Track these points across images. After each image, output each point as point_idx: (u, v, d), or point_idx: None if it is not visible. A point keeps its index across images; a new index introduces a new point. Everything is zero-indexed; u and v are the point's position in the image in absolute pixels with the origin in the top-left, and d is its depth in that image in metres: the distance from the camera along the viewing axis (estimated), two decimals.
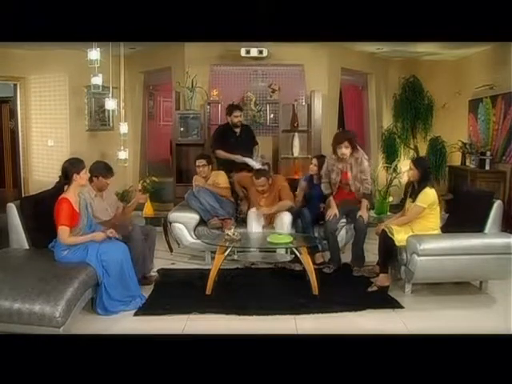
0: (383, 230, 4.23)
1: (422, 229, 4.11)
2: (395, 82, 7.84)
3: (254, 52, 6.38)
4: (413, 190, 4.28)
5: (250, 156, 5.70)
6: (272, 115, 6.69)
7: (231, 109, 5.80)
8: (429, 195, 4.08)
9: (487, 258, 3.88)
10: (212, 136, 6.14)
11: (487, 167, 6.60)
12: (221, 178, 5.24)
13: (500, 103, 6.58)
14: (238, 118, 5.72)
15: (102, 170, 4.21)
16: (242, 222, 4.98)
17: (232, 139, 5.77)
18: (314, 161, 5.18)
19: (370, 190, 4.84)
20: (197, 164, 5.20)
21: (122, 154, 5.76)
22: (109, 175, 4.23)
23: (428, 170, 4.27)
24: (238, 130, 5.78)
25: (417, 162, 4.36)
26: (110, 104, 5.82)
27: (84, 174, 3.66)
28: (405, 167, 7.64)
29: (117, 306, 3.60)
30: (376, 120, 8.03)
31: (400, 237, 4.09)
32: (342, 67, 7.23)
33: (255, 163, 5.52)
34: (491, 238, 4.01)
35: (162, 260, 4.97)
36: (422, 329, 3.33)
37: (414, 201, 4.15)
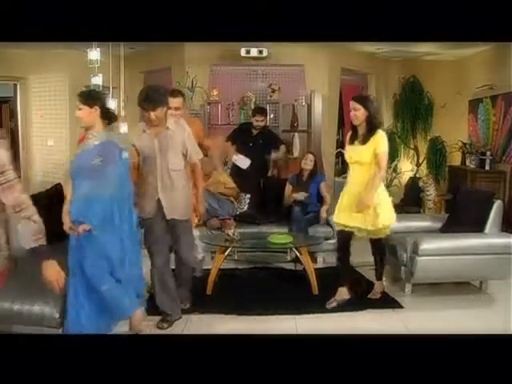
0: (340, 231, 3.79)
1: (362, 189, 3.62)
2: (395, 82, 7.84)
3: (253, 52, 6.38)
4: (354, 133, 3.72)
5: (265, 160, 5.69)
6: (272, 115, 6.68)
7: (254, 112, 5.80)
8: (385, 137, 3.63)
9: (487, 257, 3.89)
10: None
11: (487, 167, 6.61)
12: (225, 178, 5.22)
13: (500, 103, 6.58)
14: (258, 122, 5.65)
15: (140, 100, 3.35)
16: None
17: (247, 138, 5.71)
18: (311, 157, 5.18)
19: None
20: None
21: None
22: (147, 107, 3.27)
23: (376, 109, 3.81)
24: (255, 132, 5.71)
25: (361, 99, 3.75)
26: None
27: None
28: (405, 167, 7.69)
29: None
30: None
31: (345, 218, 3.69)
32: (341, 67, 7.23)
33: (242, 162, 5.49)
34: (491, 237, 4.01)
35: None
36: (422, 329, 3.33)
37: (363, 144, 3.61)
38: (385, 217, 3.61)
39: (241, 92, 6.75)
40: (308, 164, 5.10)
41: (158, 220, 3.36)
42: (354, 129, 3.69)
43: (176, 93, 3.98)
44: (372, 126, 3.61)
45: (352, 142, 3.71)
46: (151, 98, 3.23)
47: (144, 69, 7.59)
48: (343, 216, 3.72)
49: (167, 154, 3.32)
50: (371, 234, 3.75)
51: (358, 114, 3.60)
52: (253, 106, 6.67)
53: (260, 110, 5.78)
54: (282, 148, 5.78)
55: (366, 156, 3.59)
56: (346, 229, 3.73)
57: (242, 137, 5.71)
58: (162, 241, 3.41)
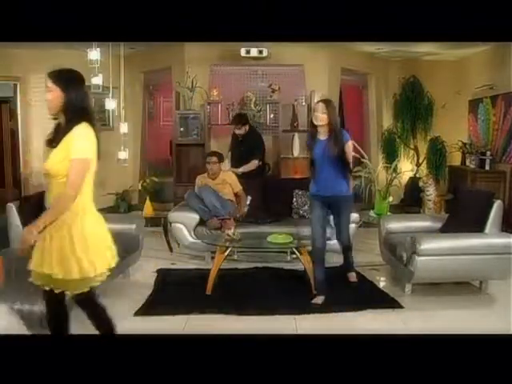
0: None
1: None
2: (395, 82, 7.84)
3: (253, 52, 6.39)
4: (55, 130, 2.46)
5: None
6: (272, 115, 6.69)
7: (231, 122, 5.96)
8: (83, 135, 2.29)
9: (487, 257, 3.88)
10: None
11: (487, 167, 6.61)
12: (233, 179, 5.21)
13: (500, 103, 6.58)
14: (237, 130, 5.77)
15: None
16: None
17: (235, 143, 5.93)
18: (322, 106, 3.68)
19: None
20: (207, 160, 5.19)
21: (122, 154, 5.77)
22: None
23: (83, 94, 2.43)
24: (241, 138, 5.84)
25: (53, 75, 2.48)
26: (110, 104, 5.84)
27: None
28: (405, 167, 7.69)
29: None
30: (376, 120, 8.03)
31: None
32: (341, 67, 7.24)
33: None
34: (491, 238, 4.01)
35: (162, 260, 4.97)
36: (422, 329, 3.33)
37: (56, 145, 2.33)
38: (72, 267, 2.22)
39: (241, 92, 6.76)
40: (321, 118, 3.70)
41: None
42: (57, 124, 2.44)
43: None
44: (69, 118, 2.33)
45: (51, 143, 2.41)
46: None
47: (144, 69, 7.59)
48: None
49: None
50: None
51: (49, 96, 2.39)
52: (253, 106, 6.71)
53: (236, 120, 5.81)
54: (253, 163, 5.74)
55: (55, 164, 2.31)
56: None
57: (232, 143, 5.98)
58: None
